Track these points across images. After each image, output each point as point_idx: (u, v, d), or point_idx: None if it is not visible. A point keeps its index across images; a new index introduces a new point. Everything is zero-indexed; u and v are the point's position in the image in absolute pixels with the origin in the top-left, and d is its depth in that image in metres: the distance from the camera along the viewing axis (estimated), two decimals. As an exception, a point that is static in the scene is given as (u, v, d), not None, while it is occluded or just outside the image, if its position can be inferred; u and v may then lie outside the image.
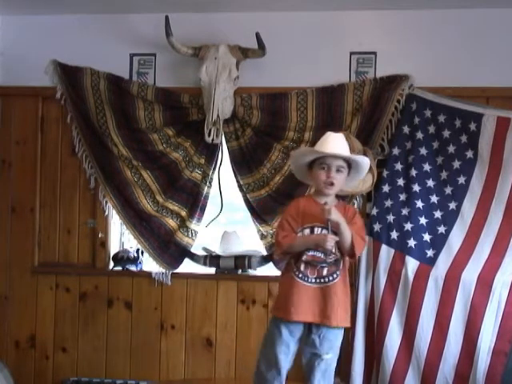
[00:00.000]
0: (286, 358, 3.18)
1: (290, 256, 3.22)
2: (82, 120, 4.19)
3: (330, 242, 3.08)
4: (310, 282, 3.15)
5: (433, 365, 3.69)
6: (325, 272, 3.15)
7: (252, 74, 4.02)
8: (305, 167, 3.27)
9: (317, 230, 3.16)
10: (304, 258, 3.15)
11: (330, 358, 3.18)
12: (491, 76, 3.92)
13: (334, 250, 3.13)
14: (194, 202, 4.11)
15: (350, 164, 3.23)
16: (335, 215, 3.08)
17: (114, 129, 4.12)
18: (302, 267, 3.16)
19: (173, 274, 4.16)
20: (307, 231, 3.19)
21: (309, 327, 3.17)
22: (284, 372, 3.20)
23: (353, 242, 3.13)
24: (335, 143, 3.20)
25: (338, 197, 3.33)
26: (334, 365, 3.24)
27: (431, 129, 3.90)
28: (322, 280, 3.15)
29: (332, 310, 3.13)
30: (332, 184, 3.18)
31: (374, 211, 3.88)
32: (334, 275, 3.16)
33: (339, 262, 3.18)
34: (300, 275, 3.16)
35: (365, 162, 3.26)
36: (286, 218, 3.24)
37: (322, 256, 3.14)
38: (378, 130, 3.93)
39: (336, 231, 3.11)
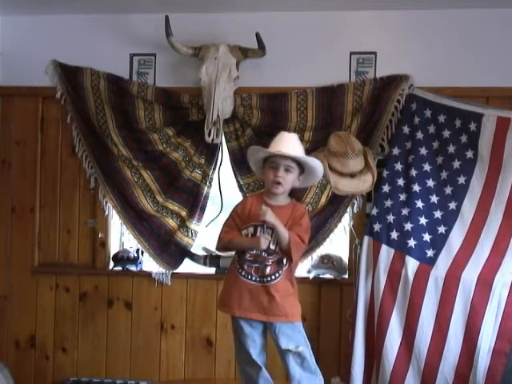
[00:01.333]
0: (256, 351, 3.24)
1: (236, 254, 3.28)
2: (82, 120, 4.19)
3: (263, 243, 3.14)
4: (254, 281, 3.20)
5: (433, 365, 3.69)
6: (267, 271, 3.20)
7: (252, 74, 4.03)
8: (260, 165, 3.33)
9: (260, 229, 3.20)
10: (247, 256, 3.21)
11: (301, 350, 3.21)
12: (491, 76, 3.92)
13: (276, 250, 3.18)
14: (194, 202, 4.11)
15: (302, 166, 3.26)
16: (270, 217, 3.11)
17: (114, 129, 4.12)
18: (246, 266, 3.22)
19: (173, 274, 4.16)
20: (251, 229, 3.24)
21: (265, 323, 3.22)
22: (262, 365, 3.24)
23: (289, 244, 3.15)
24: (286, 143, 3.25)
25: (292, 196, 3.35)
26: (310, 355, 3.25)
27: (431, 129, 3.90)
28: (265, 279, 3.20)
29: (275, 308, 3.18)
30: (279, 183, 3.21)
31: (374, 211, 3.88)
32: (277, 274, 3.20)
33: (282, 263, 3.21)
34: (243, 273, 3.22)
35: (314, 162, 3.28)
36: (232, 215, 3.34)
37: (265, 255, 3.17)
38: (378, 129, 3.93)
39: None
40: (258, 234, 3.20)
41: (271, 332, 3.24)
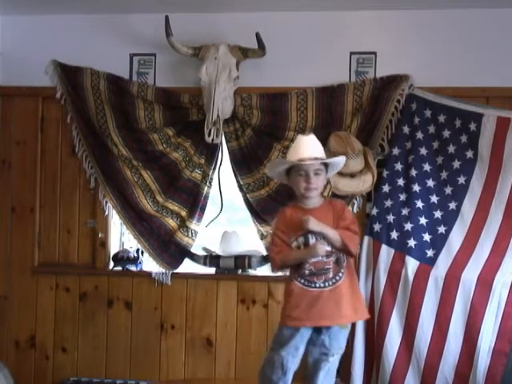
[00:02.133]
0: (293, 360, 3.19)
1: (291, 268, 3.22)
2: (82, 120, 4.19)
3: (321, 249, 3.10)
4: (318, 287, 3.15)
5: (433, 365, 3.69)
6: (330, 274, 3.15)
7: (252, 74, 4.03)
8: (283, 175, 3.27)
9: (310, 237, 3.15)
10: (307, 266, 3.14)
11: (335, 358, 3.20)
12: (491, 76, 3.92)
13: (331, 250, 3.14)
14: (194, 202, 4.11)
15: (326, 163, 3.23)
16: (313, 224, 3.09)
17: (114, 129, 4.12)
18: (307, 274, 3.15)
19: (173, 274, 4.16)
20: (301, 239, 3.18)
21: (318, 328, 3.18)
22: (290, 374, 3.21)
23: (344, 241, 3.12)
24: (307, 147, 3.20)
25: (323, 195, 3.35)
26: (337, 364, 3.25)
27: (431, 129, 3.90)
28: (330, 282, 3.15)
29: (345, 309, 3.15)
30: (313, 189, 3.18)
31: (374, 211, 3.88)
32: (340, 274, 3.16)
33: (341, 260, 3.18)
34: (306, 282, 3.16)
35: (339, 160, 3.27)
36: (276, 233, 3.24)
37: (323, 259, 3.14)
38: (378, 129, 3.93)
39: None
40: (310, 241, 3.13)
41: (324, 336, 3.16)
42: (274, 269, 3.32)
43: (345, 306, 3.15)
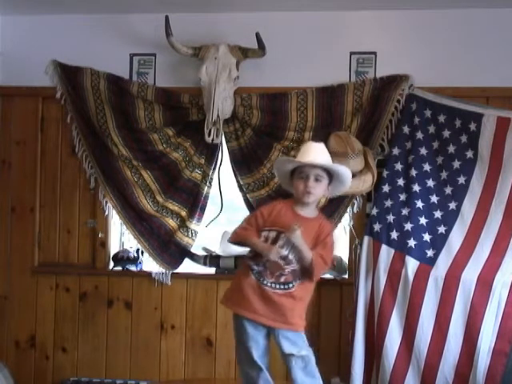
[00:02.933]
0: (258, 353, 3.21)
1: (251, 251, 3.26)
2: (82, 120, 4.19)
3: (274, 255, 3.11)
4: (266, 285, 3.17)
5: (433, 365, 3.69)
6: (282, 279, 3.17)
7: (252, 74, 4.03)
8: (288, 177, 3.30)
9: (282, 238, 3.16)
10: (265, 260, 3.17)
11: (304, 354, 3.20)
12: (491, 76, 3.92)
13: (292, 260, 3.14)
14: (194, 202, 4.11)
15: (330, 174, 3.25)
16: (297, 238, 3.09)
17: (114, 129, 4.12)
18: (262, 268, 3.18)
19: (173, 274, 4.16)
20: (273, 233, 3.20)
21: (272, 329, 3.20)
22: (264, 367, 3.22)
23: (312, 266, 3.14)
24: (315, 153, 3.23)
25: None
26: (313, 360, 3.23)
27: (431, 129, 3.90)
28: (278, 285, 3.17)
29: (282, 315, 3.16)
30: (309, 193, 3.19)
31: (374, 211, 3.88)
32: (290, 284, 3.18)
33: (297, 274, 3.18)
34: (257, 275, 3.19)
35: (344, 170, 3.27)
36: (256, 214, 3.30)
37: (282, 263, 3.15)
38: (378, 129, 3.93)
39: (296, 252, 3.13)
40: (279, 242, 3.14)
41: (274, 336, 3.21)
42: (231, 239, 3.35)
43: (282, 314, 3.16)
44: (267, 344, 3.26)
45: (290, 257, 3.15)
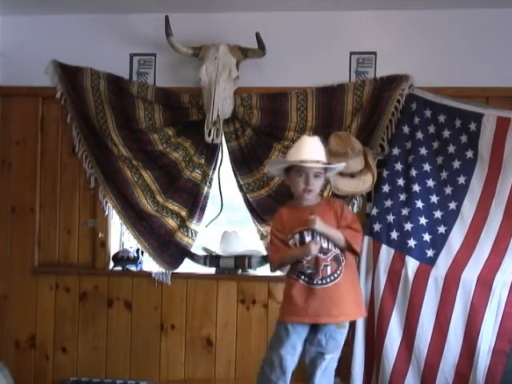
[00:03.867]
0: (291, 359, 3.22)
1: (290, 265, 3.26)
2: (82, 120, 4.19)
3: (313, 249, 3.13)
4: (315, 284, 3.18)
5: (433, 365, 3.69)
6: (328, 271, 3.18)
7: (252, 74, 4.02)
8: (282, 172, 3.33)
9: (306, 234, 3.18)
10: (305, 262, 3.19)
11: (331, 356, 3.22)
12: (491, 76, 3.92)
13: (329, 247, 3.17)
14: (194, 202, 4.11)
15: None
16: (319, 225, 3.13)
17: (114, 129, 4.12)
18: (306, 270, 3.19)
19: (173, 274, 4.16)
20: (297, 237, 3.24)
21: (315, 326, 3.20)
22: (289, 372, 3.23)
23: (347, 240, 3.17)
24: (310, 149, 3.25)
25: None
26: (335, 363, 3.28)
27: (431, 129, 3.90)
28: (328, 279, 3.19)
29: (340, 308, 3.19)
30: (311, 190, 3.23)
31: (374, 211, 3.88)
32: (338, 271, 3.20)
33: (339, 258, 3.19)
34: (305, 279, 3.20)
35: (339, 166, 3.33)
36: (273, 232, 3.33)
37: (322, 256, 3.15)
38: (378, 129, 3.93)
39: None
40: (306, 239, 3.18)
41: (320, 335, 3.20)
42: (272, 268, 3.39)
43: (343, 304, 3.19)
44: (301, 351, 3.25)
45: (325, 245, 3.17)
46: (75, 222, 4.27)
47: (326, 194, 3.93)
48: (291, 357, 3.21)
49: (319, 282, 3.18)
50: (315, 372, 3.21)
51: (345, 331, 3.25)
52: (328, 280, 3.18)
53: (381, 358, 3.74)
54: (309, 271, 3.18)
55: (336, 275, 3.19)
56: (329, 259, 3.18)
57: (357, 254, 3.29)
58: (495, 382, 3.60)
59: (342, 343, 3.26)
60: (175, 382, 4.15)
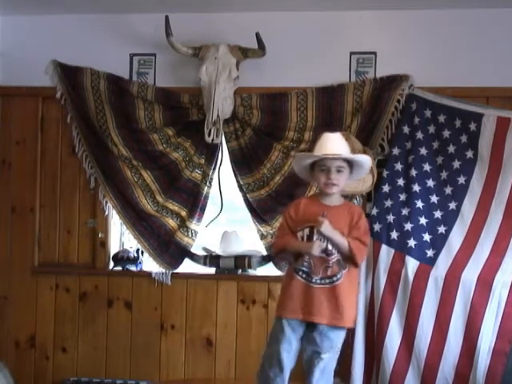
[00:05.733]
0: (288, 356, 3.21)
1: (294, 256, 3.25)
2: (82, 120, 4.19)
3: (316, 249, 3.12)
4: (313, 283, 3.18)
5: (433, 365, 3.68)
6: (328, 272, 3.18)
7: (252, 74, 4.03)
8: (307, 169, 3.30)
9: (316, 232, 3.17)
10: (306, 259, 3.18)
11: (328, 356, 3.20)
12: (491, 76, 3.92)
13: (333, 251, 3.15)
14: (194, 202, 4.11)
15: (350, 162, 3.25)
16: (325, 228, 3.11)
17: (114, 129, 4.12)
18: (306, 268, 3.19)
19: (173, 274, 4.16)
20: (307, 231, 3.21)
21: (312, 325, 3.20)
22: (287, 370, 3.22)
23: (352, 251, 3.16)
24: (332, 144, 3.23)
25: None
26: (334, 363, 3.26)
27: (431, 129, 3.90)
28: (327, 280, 3.18)
29: (333, 311, 3.17)
30: (332, 185, 3.21)
31: (374, 211, 3.88)
32: (338, 275, 3.19)
33: (342, 263, 3.19)
34: (304, 275, 3.19)
35: (364, 158, 3.29)
36: (286, 218, 3.31)
37: (324, 256, 3.15)
38: (378, 129, 3.93)
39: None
40: (314, 236, 3.16)
41: (315, 333, 3.19)
42: (273, 252, 3.38)
43: (337, 308, 3.17)
44: (299, 348, 3.25)
45: (330, 247, 3.16)
46: (75, 222, 4.27)
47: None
48: (287, 353, 3.20)
49: (318, 281, 3.17)
50: (313, 371, 3.20)
51: (340, 332, 3.23)
52: (327, 281, 3.18)
53: (381, 358, 3.74)
54: (306, 269, 3.18)
55: (335, 278, 3.18)
56: (331, 262, 3.17)
57: (356, 266, 3.24)
58: (495, 382, 3.60)
59: (339, 344, 3.24)
60: (175, 382, 4.15)
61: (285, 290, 3.28)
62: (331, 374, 3.26)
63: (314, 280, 3.18)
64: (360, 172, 3.34)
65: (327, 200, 3.26)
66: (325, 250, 3.15)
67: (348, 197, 3.92)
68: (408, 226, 3.81)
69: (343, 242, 3.15)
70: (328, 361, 3.21)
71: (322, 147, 3.23)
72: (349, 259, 3.19)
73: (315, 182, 3.31)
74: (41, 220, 4.29)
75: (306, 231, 3.21)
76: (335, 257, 3.17)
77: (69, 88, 4.19)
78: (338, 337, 3.22)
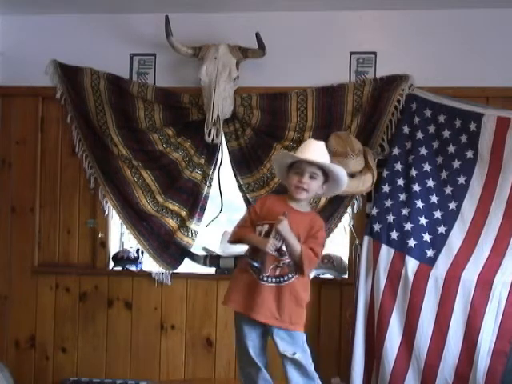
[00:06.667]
0: (255, 351, 3.23)
1: (248, 249, 3.27)
2: (82, 120, 4.19)
3: (270, 246, 3.11)
4: (261, 279, 3.18)
5: (433, 365, 3.69)
6: (277, 272, 3.19)
7: (252, 73, 4.02)
8: (285, 170, 3.31)
9: (274, 231, 3.16)
10: (260, 254, 3.18)
11: (298, 356, 3.19)
12: (491, 76, 3.92)
13: (286, 253, 3.15)
14: (194, 201, 4.11)
15: (326, 174, 3.25)
16: (283, 228, 3.10)
17: (114, 129, 4.12)
18: (258, 263, 3.18)
19: (173, 274, 4.16)
20: (266, 227, 3.22)
21: (265, 325, 3.20)
22: (262, 366, 3.24)
23: (302, 258, 3.13)
24: (313, 150, 3.25)
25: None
26: (309, 361, 3.23)
27: (431, 129, 3.90)
28: (274, 279, 3.18)
29: (279, 312, 3.17)
30: (303, 189, 3.21)
31: (374, 211, 3.88)
32: (286, 277, 3.19)
33: (293, 267, 3.19)
34: (257, 271, 3.19)
35: (339, 170, 3.26)
36: (250, 211, 3.36)
37: (277, 255, 3.16)
38: (378, 129, 3.93)
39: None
40: (271, 234, 3.15)
41: (270, 334, 3.23)
42: (230, 239, 3.38)
43: (277, 309, 3.16)
44: (264, 343, 3.27)
45: (284, 248, 3.16)
46: (75, 222, 4.27)
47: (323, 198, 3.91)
48: (253, 349, 3.21)
49: (264, 279, 3.17)
50: (290, 373, 3.19)
51: (292, 332, 3.19)
52: (274, 280, 3.17)
53: (381, 357, 3.74)
54: (256, 264, 3.18)
55: (282, 279, 3.17)
56: (282, 262, 3.17)
57: (303, 275, 3.19)
58: (495, 382, 3.60)
59: (300, 343, 3.20)
60: (175, 381, 4.15)
61: (234, 281, 3.31)
62: (311, 371, 3.22)
63: (261, 277, 3.17)
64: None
65: (294, 204, 3.26)
66: (278, 250, 3.15)
67: (348, 197, 3.93)
68: (408, 226, 3.82)
69: (297, 246, 3.13)
70: (302, 361, 3.19)
71: (303, 151, 3.26)
72: (297, 266, 3.17)
73: (288, 184, 3.29)
74: (41, 220, 4.29)
75: (266, 227, 3.22)
76: (287, 259, 3.18)
77: (69, 88, 4.19)
78: (293, 337, 3.19)
